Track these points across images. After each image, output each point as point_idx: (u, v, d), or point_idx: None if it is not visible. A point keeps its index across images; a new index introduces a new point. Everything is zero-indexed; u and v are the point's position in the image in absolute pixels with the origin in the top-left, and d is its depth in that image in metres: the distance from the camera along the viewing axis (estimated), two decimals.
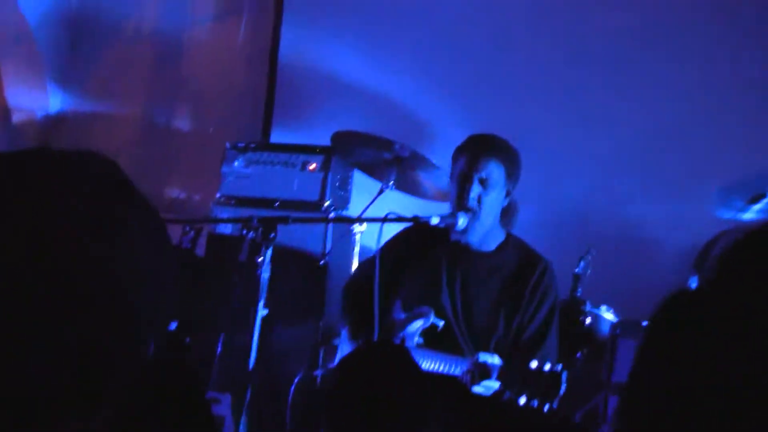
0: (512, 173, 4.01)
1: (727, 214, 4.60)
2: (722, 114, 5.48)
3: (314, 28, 6.28)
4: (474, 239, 4.02)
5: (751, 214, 4.55)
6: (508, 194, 4.03)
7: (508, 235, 4.12)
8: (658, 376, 1.12)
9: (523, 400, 3.38)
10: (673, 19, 5.60)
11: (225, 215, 5.53)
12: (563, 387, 3.36)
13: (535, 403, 3.37)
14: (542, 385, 3.38)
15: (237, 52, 6.55)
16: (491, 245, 4.07)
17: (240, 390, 3.93)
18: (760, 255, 1.12)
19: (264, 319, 3.80)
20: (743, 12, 5.49)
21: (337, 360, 4.11)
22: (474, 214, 3.93)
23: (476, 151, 4.00)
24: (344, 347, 4.08)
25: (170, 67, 6.66)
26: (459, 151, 4.07)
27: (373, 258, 3.92)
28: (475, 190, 3.93)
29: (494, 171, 3.95)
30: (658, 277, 4.94)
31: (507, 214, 4.11)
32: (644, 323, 4.34)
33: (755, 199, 4.47)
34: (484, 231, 4.02)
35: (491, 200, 3.96)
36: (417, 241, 4.14)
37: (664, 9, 5.62)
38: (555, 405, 3.38)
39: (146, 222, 1.15)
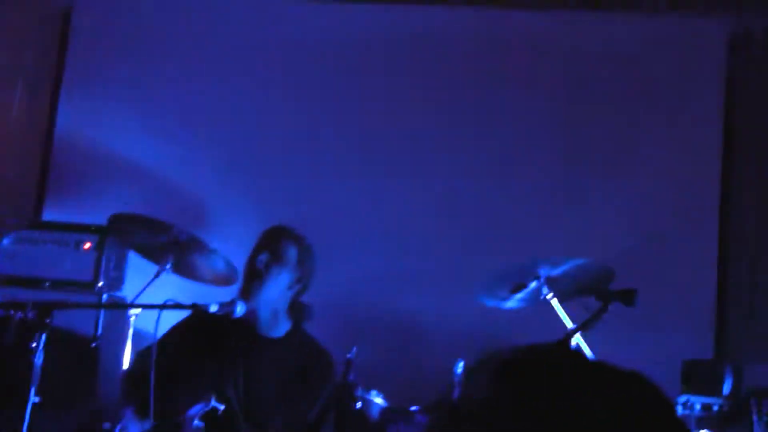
0: (303, 261, 4.19)
1: (492, 303, 4.83)
2: (489, 204, 5.78)
3: (93, 105, 6.22)
4: (261, 318, 4.12)
5: (513, 303, 4.79)
6: (298, 281, 4.18)
7: (295, 325, 4.23)
8: None
9: None
10: (436, 117, 5.90)
11: None
12: None
13: None
14: None
15: (10, 127, 6.40)
16: (280, 332, 4.17)
17: None
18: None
19: (36, 404, 3.72)
20: (495, 108, 5.84)
21: None
22: (259, 280, 4.05)
23: (274, 229, 4.25)
24: (130, 426, 4.06)
25: None
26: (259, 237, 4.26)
27: (152, 346, 3.93)
28: (265, 255, 4.11)
29: (287, 249, 4.15)
30: (427, 364, 5.14)
31: (298, 309, 4.23)
32: (412, 408, 4.51)
33: (517, 289, 4.71)
34: (269, 311, 4.11)
35: (279, 274, 4.11)
36: (199, 327, 4.17)
37: (436, 112, 5.92)
38: None
39: None
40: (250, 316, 4.08)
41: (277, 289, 4.14)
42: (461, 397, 1.34)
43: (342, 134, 6.00)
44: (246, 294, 4.05)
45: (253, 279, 4.10)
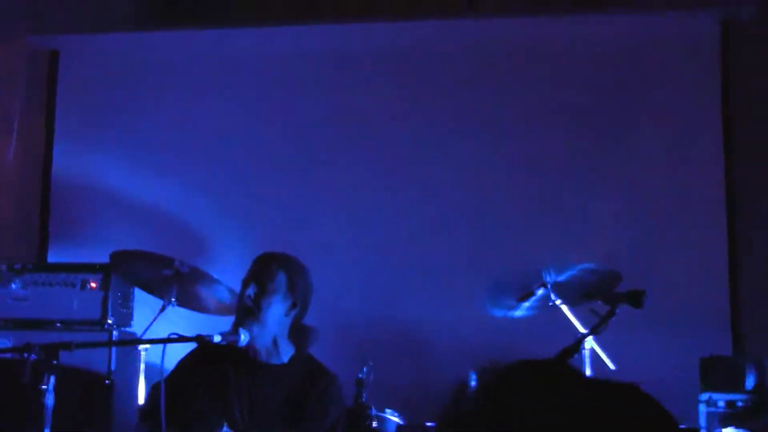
0: (295, 286, 4.10)
1: (500, 312, 4.81)
2: (489, 214, 5.77)
3: (87, 145, 6.26)
4: (261, 348, 4.08)
5: (522, 311, 4.77)
6: (294, 306, 4.11)
7: (298, 350, 4.19)
8: None
9: None
10: (439, 125, 5.89)
11: (4, 340, 5.38)
12: None
13: None
14: None
15: (7, 172, 6.42)
16: (282, 358, 4.13)
17: None
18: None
19: None
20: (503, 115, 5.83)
21: None
22: (252, 315, 4.01)
23: (261, 258, 4.16)
24: None
25: None
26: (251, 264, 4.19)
27: (160, 383, 3.94)
28: (251, 289, 4.04)
29: (274, 276, 4.07)
30: (440, 378, 5.11)
31: (299, 336, 4.20)
32: (428, 424, 4.50)
33: (525, 297, 4.70)
34: (269, 339, 4.08)
35: (271, 305, 4.04)
36: (205, 358, 4.17)
37: (430, 116, 5.91)
38: None
39: None
40: (251, 347, 4.06)
41: (272, 320, 4.08)
42: (450, 412, 1.33)
43: (340, 149, 6.01)
44: (242, 327, 4.01)
45: (246, 315, 4.04)
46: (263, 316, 4.04)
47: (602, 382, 1.28)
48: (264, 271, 4.09)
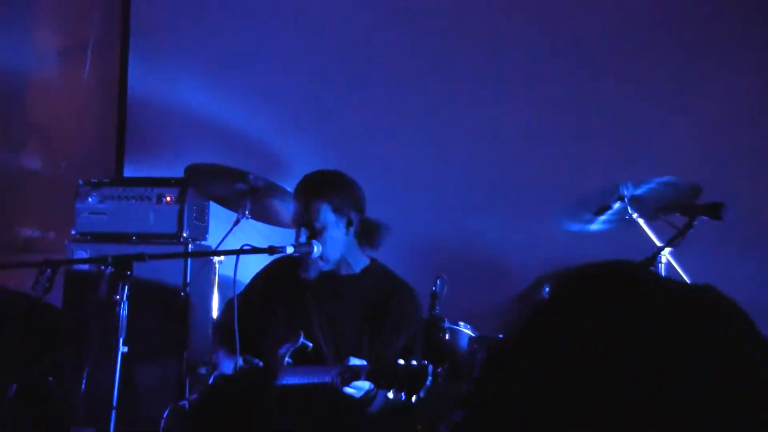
0: (342, 206, 4.05)
1: (575, 227, 4.76)
2: (563, 130, 5.68)
3: (162, 60, 6.28)
4: (335, 262, 4.08)
5: (598, 225, 4.72)
6: (350, 223, 4.08)
7: (372, 261, 4.20)
8: (498, 389, 1.21)
9: (391, 395, 3.46)
10: (500, 49, 5.79)
11: (81, 252, 5.46)
12: (429, 379, 3.44)
13: (403, 396, 3.45)
14: (409, 377, 3.45)
15: (84, 88, 6.48)
16: (355, 269, 4.14)
17: (105, 425, 3.90)
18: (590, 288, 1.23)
19: (126, 354, 3.78)
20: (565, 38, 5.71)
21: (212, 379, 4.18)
22: (319, 250, 4.00)
23: (298, 196, 4.11)
24: (224, 364, 4.14)
25: (14, 105, 6.53)
26: (293, 196, 4.17)
27: (236, 296, 4.00)
28: (303, 235, 4.02)
29: (317, 212, 4.01)
30: (511, 292, 5.09)
31: (367, 236, 4.18)
32: (501, 336, 4.48)
33: (601, 211, 4.64)
34: (339, 255, 4.08)
35: (327, 239, 4.02)
36: (279, 274, 4.20)
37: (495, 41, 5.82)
38: (422, 395, 3.46)
39: None
40: (324, 261, 4.06)
41: (335, 247, 4.06)
42: (530, 314, 1.31)
43: (407, 74, 5.92)
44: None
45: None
46: (326, 249, 4.02)
47: (678, 283, 1.26)
48: (306, 209, 4.03)
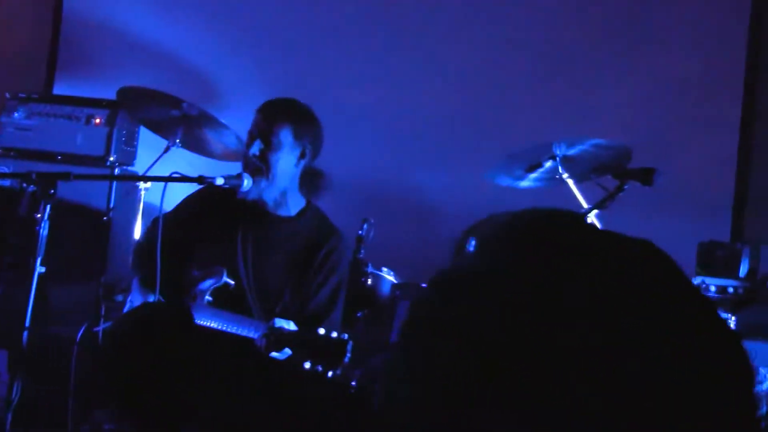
0: (302, 134, 3.97)
1: (505, 182, 4.77)
2: (503, 82, 5.68)
3: None
4: (269, 200, 4.00)
5: (528, 182, 4.73)
6: (303, 156, 4.00)
7: (308, 203, 4.12)
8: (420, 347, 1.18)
9: (308, 365, 3.44)
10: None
11: (3, 167, 5.35)
12: (348, 356, 3.44)
13: (320, 368, 3.45)
14: (328, 351, 3.44)
15: (19, 2, 6.31)
16: (290, 210, 4.06)
17: (17, 347, 3.85)
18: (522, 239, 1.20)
19: (43, 275, 3.72)
20: None
21: (126, 309, 4.11)
22: (260, 172, 3.92)
23: (263, 111, 4.01)
24: (135, 296, 4.07)
25: None
26: (254, 113, 4.07)
27: (162, 216, 3.87)
28: (256, 146, 3.91)
29: (278, 130, 3.93)
30: (438, 241, 5.09)
31: (309, 183, 4.11)
32: (423, 285, 4.49)
33: (532, 168, 4.65)
34: (278, 192, 4.00)
35: (278, 159, 3.93)
36: (210, 202, 4.10)
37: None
38: (339, 371, 3.46)
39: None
40: (259, 199, 3.98)
41: (281, 175, 3.97)
42: (460, 264, 1.27)
43: (352, 6, 5.86)
44: (248, 168, 3.93)
45: (254, 172, 3.92)
46: (272, 172, 3.93)
47: (615, 234, 1.21)
48: (268, 124, 3.94)
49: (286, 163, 3.97)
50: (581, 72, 5.65)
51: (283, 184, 4.00)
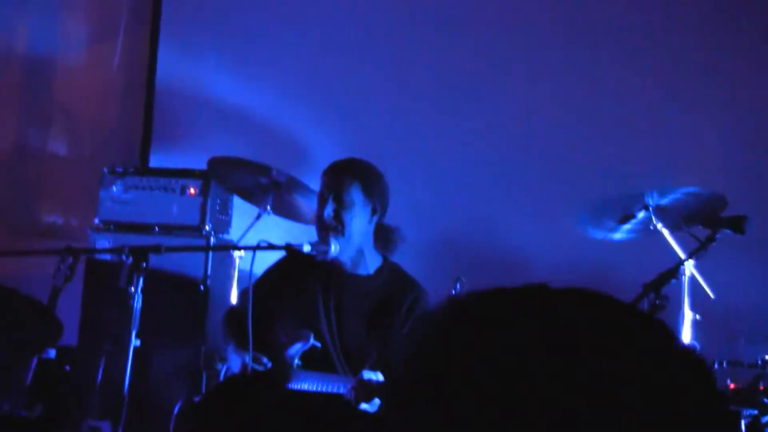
0: (371, 191, 4.05)
1: (598, 234, 4.71)
2: (589, 133, 5.63)
3: (191, 52, 6.26)
4: (347, 260, 4.06)
5: (621, 234, 4.67)
6: (374, 212, 4.07)
7: (385, 260, 4.16)
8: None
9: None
10: (529, 48, 5.75)
11: (103, 241, 5.47)
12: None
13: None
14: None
15: (113, 76, 6.47)
16: (369, 269, 4.11)
17: (118, 417, 3.90)
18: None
19: (141, 346, 3.78)
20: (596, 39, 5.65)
21: (222, 376, 4.16)
22: (337, 231, 3.97)
23: (330, 172, 4.10)
24: (233, 360, 4.12)
25: (42, 91, 6.52)
26: (321, 176, 4.14)
27: (251, 286, 3.94)
28: (330, 207, 3.99)
29: (349, 188, 4.00)
30: None
31: (384, 238, 4.16)
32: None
33: (625, 219, 4.59)
34: (355, 251, 4.05)
35: (352, 217, 4.00)
36: (292, 268, 4.17)
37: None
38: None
39: None
40: (335, 260, 4.03)
41: (356, 232, 4.03)
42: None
43: (430, 71, 5.89)
44: (326, 242, 3.98)
45: (329, 233, 3.99)
46: (347, 231, 4.00)
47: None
48: (338, 184, 4.02)
49: (360, 220, 4.04)
50: (673, 119, 5.58)
51: (359, 242, 4.06)
